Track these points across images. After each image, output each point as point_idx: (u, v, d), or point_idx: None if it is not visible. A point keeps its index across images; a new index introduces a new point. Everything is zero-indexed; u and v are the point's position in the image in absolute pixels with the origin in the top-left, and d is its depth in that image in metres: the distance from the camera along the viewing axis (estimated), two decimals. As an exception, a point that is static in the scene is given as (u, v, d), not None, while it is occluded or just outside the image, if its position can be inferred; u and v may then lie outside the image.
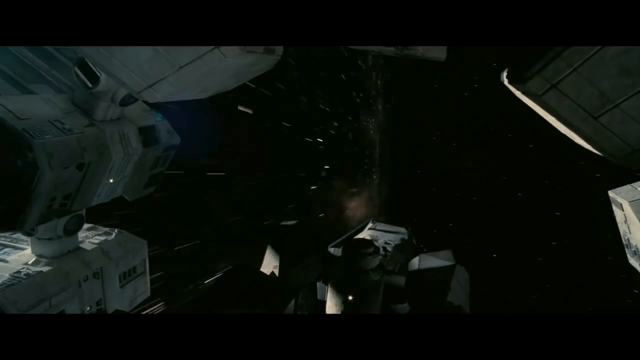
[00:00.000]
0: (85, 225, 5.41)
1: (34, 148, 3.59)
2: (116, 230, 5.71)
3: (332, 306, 4.95)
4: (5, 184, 3.66)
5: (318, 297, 5.73)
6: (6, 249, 4.99)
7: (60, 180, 3.92)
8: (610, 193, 5.61)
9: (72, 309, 4.56)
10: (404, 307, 5.40)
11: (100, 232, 5.61)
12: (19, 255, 4.82)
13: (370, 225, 8.06)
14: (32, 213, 3.90)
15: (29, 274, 4.34)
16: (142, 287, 5.87)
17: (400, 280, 5.77)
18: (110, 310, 5.16)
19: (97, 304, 4.99)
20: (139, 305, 5.92)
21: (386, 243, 6.80)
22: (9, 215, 3.84)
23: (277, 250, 5.93)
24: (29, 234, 4.78)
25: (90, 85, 4.28)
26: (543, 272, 25.22)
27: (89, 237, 5.39)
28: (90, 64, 4.08)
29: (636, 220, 4.99)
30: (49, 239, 4.73)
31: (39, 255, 4.78)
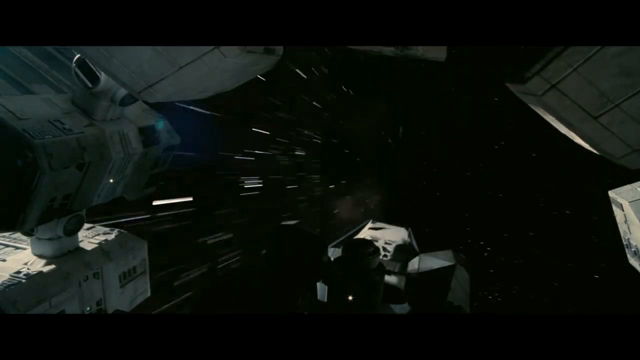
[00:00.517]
0: (85, 225, 5.41)
1: (34, 148, 3.59)
2: (116, 230, 5.70)
3: (332, 306, 4.94)
4: (5, 184, 3.66)
5: (318, 297, 5.72)
6: (6, 249, 4.99)
7: (60, 180, 3.92)
8: (610, 193, 5.62)
9: (72, 309, 4.56)
10: (403, 307, 5.39)
11: (100, 232, 5.61)
12: (19, 255, 4.82)
13: (370, 225, 8.04)
14: (32, 213, 3.90)
15: (29, 274, 4.34)
16: (142, 287, 5.87)
17: (400, 280, 5.76)
18: (110, 310, 5.15)
19: (97, 304, 4.99)
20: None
21: (386, 243, 6.79)
22: (9, 215, 3.84)
23: (278, 250, 5.92)
24: (28, 234, 4.78)
25: (90, 85, 4.28)
26: (543, 272, 25.20)
27: (89, 237, 5.39)
28: (90, 64, 4.08)
29: (636, 220, 4.99)
30: (49, 239, 4.73)
31: (39, 255, 4.77)
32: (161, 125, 5.31)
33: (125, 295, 5.50)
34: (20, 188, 3.67)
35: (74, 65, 4.26)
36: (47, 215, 4.10)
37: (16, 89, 4.50)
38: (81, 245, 5.14)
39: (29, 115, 3.82)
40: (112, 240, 5.45)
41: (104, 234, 5.57)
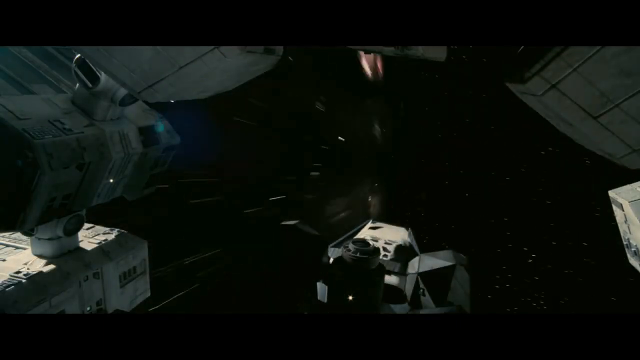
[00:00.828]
0: (85, 225, 5.41)
1: (34, 148, 3.59)
2: (116, 230, 5.70)
3: (332, 306, 4.95)
4: (5, 184, 3.66)
5: (318, 297, 5.72)
6: (6, 249, 4.99)
7: (60, 180, 3.92)
8: (611, 193, 5.61)
9: (72, 309, 4.56)
10: (403, 307, 5.39)
11: (100, 232, 5.61)
12: (18, 256, 4.82)
13: (370, 225, 8.05)
14: (32, 213, 3.90)
15: (29, 274, 4.34)
16: (142, 287, 5.87)
17: (401, 281, 5.77)
18: (110, 310, 5.15)
19: (97, 304, 4.98)
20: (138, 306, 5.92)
21: (386, 243, 6.79)
22: (9, 215, 3.83)
23: (278, 250, 5.93)
24: (28, 234, 4.78)
25: (90, 85, 4.28)
26: (543, 272, 25.04)
27: (89, 237, 5.39)
28: (90, 64, 4.08)
29: (636, 220, 4.99)
30: (49, 239, 4.73)
31: (39, 256, 4.77)
32: (161, 128, 5.31)
33: (125, 295, 5.50)
34: (20, 188, 3.67)
35: (74, 65, 4.26)
36: (47, 215, 4.10)
37: (16, 89, 4.50)
38: (81, 245, 5.14)
39: (29, 115, 3.82)
40: (112, 240, 5.45)
41: (104, 233, 5.57)
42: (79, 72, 4.25)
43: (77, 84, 4.42)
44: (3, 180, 3.66)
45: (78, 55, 4.19)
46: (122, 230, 5.74)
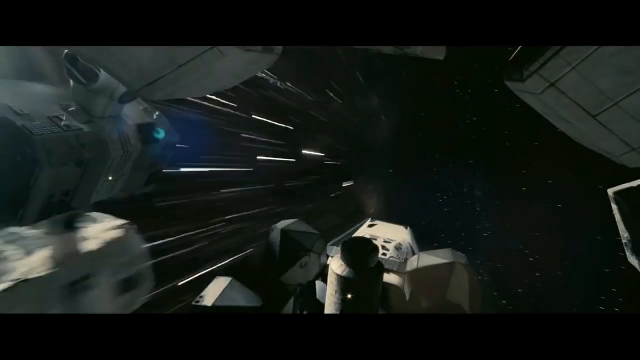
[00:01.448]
0: (95, 219, 5.39)
1: (33, 144, 3.59)
2: (127, 223, 5.66)
3: (331, 305, 4.95)
4: (5, 180, 3.66)
5: (317, 297, 5.72)
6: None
7: (60, 176, 3.92)
8: (610, 192, 5.61)
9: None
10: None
11: (109, 227, 5.55)
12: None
13: (369, 223, 8.06)
14: (32, 209, 3.90)
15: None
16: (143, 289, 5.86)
17: (400, 279, 5.77)
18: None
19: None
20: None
21: (385, 242, 6.80)
22: (8, 212, 3.84)
23: (276, 249, 5.92)
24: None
25: (84, 82, 4.25)
26: (543, 271, 25.04)
27: (94, 234, 5.34)
28: (85, 62, 4.05)
29: (636, 219, 4.98)
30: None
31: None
32: (162, 134, 5.29)
33: (125, 299, 5.46)
34: (19, 184, 3.67)
35: (65, 61, 4.17)
36: (46, 211, 4.11)
37: (16, 87, 4.50)
38: (85, 242, 5.08)
39: (28, 111, 3.81)
40: (114, 240, 5.41)
41: (112, 229, 5.50)
42: (72, 69, 4.21)
43: (71, 81, 4.37)
44: (2, 177, 3.66)
45: (66, 51, 4.12)
46: (131, 226, 5.71)
